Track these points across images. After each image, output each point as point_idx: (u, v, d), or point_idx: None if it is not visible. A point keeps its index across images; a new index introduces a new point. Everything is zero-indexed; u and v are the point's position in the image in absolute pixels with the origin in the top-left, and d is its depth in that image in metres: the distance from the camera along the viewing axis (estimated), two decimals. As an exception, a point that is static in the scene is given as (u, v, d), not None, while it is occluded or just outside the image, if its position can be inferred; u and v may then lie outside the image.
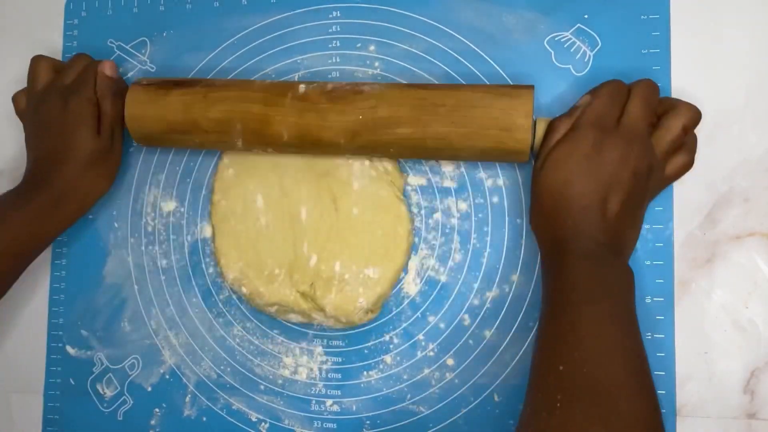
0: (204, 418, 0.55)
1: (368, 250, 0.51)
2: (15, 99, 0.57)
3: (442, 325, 0.51)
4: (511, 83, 0.51)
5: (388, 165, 0.52)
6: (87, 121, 0.52)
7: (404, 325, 0.52)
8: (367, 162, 0.52)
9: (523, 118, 0.45)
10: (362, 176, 0.52)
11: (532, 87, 0.46)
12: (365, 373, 0.53)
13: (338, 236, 0.51)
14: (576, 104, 0.46)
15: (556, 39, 0.51)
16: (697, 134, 0.47)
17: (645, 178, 0.43)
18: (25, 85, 0.56)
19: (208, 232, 0.56)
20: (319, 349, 0.54)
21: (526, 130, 0.45)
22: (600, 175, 0.43)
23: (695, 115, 0.44)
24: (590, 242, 0.42)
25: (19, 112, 0.57)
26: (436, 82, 0.52)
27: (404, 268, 0.52)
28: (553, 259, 0.44)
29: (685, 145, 0.45)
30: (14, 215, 0.51)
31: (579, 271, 0.42)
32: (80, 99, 0.52)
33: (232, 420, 0.54)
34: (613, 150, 0.43)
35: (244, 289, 0.53)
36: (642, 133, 0.43)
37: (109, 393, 0.57)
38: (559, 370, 0.38)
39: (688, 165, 0.46)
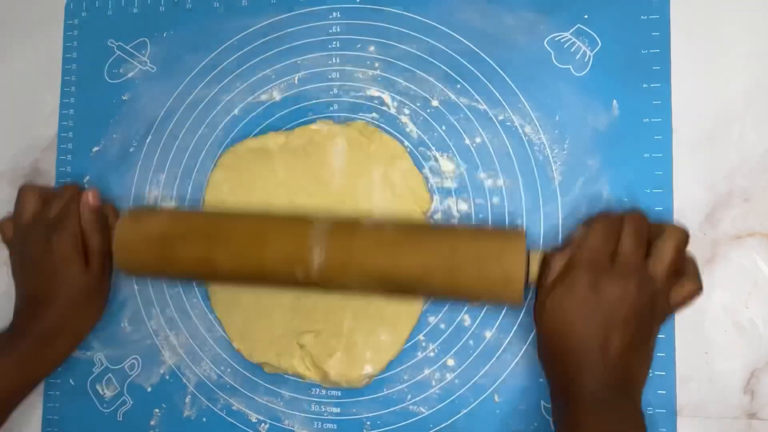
0: (204, 419, 0.55)
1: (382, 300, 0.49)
2: (1, 227, 0.54)
3: (442, 326, 0.51)
4: (512, 83, 0.52)
5: (412, 189, 0.50)
6: (73, 258, 0.50)
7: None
8: (388, 193, 0.50)
9: (517, 271, 0.44)
10: (382, 205, 0.50)
11: (523, 235, 0.45)
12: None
13: None
14: (570, 238, 0.45)
15: (556, 39, 0.51)
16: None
17: (648, 311, 0.43)
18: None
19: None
20: (319, 350, 0.54)
21: (519, 282, 0.44)
22: (600, 317, 0.42)
23: (683, 235, 0.44)
24: (596, 384, 0.42)
25: (6, 241, 0.54)
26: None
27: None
28: (559, 397, 0.44)
29: (686, 271, 0.44)
30: (1, 362, 0.49)
31: (586, 420, 0.41)
32: (64, 236, 0.50)
33: (232, 420, 0.54)
34: (611, 289, 0.42)
35: (235, 344, 0.53)
36: (638, 268, 0.43)
37: (109, 393, 0.57)
38: None
39: (695, 291, 0.44)
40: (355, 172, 0.51)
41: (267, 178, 0.53)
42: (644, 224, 0.44)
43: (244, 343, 0.53)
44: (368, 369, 0.50)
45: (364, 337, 0.49)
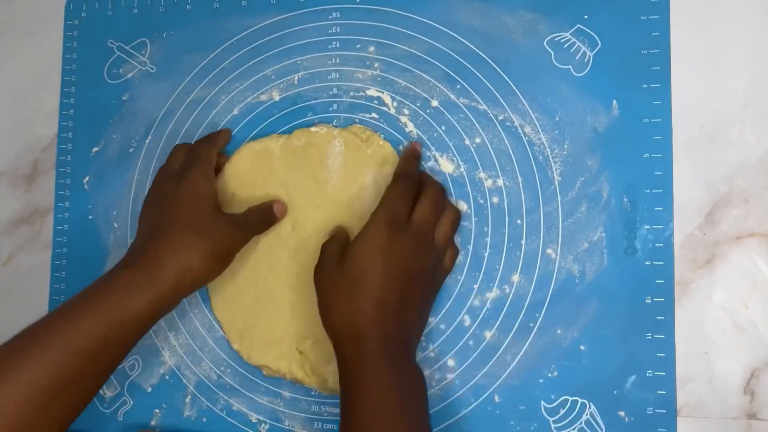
0: (204, 419, 0.55)
1: None
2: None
3: (442, 326, 0.51)
4: (512, 83, 0.52)
5: None
6: (202, 192, 0.49)
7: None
8: (378, 195, 0.50)
9: None
10: (372, 206, 0.49)
11: None
12: (365, 373, 0.53)
13: None
14: None
15: (556, 39, 0.51)
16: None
17: (432, 274, 0.48)
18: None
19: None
20: (319, 350, 0.54)
21: None
22: (395, 271, 0.45)
23: (459, 214, 0.51)
24: (388, 339, 0.44)
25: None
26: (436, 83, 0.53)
27: None
28: (349, 360, 0.44)
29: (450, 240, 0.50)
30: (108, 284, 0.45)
31: (376, 378, 0.43)
32: (196, 170, 0.50)
33: (232, 421, 0.54)
34: (407, 248, 0.46)
35: (235, 345, 0.53)
36: (429, 234, 0.47)
37: (109, 393, 0.57)
38: None
39: (456, 255, 0.51)
40: (350, 174, 0.52)
41: (267, 177, 0.53)
42: (441, 196, 0.49)
43: (243, 344, 0.53)
44: None
45: None
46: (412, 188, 0.48)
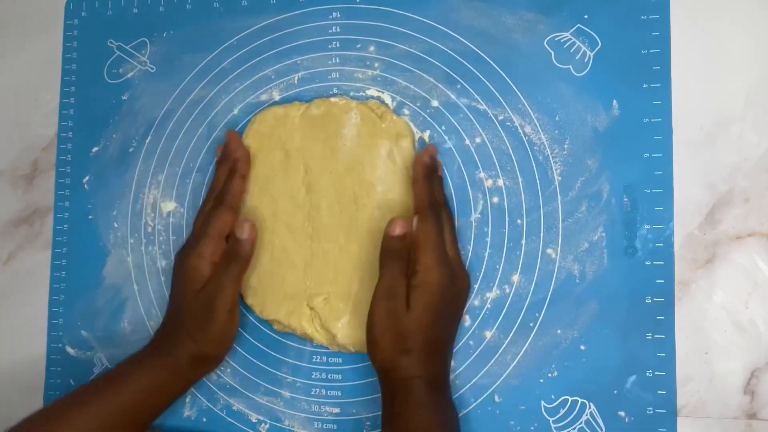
0: (204, 419, 0.55)
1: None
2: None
3: (442, 326, 0.51)
4: (512, 83, 0.52)
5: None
6: (227, 314, 0.49)
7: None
8: (390, 167, 0.52)
9: None
10: (386, 178, 0.52)
11: None
12: (366, 373, 0.53)
13: (357, 239, 0.51)
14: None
15: (556, 39, 0.51)
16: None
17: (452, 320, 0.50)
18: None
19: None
20: (320, 350, 0.54)
21: None
22: (446, 310, 0.48)
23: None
24: (435, 378, 0.46)
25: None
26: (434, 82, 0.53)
27: None
28: (393, 395, 0.46)
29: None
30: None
31: (420, 414, 0.44)
32: (222, 299, 0.49)
33: (232, 421, 0.54)
34: (453, 287, 0.48)
35: (248, 300, 0.54)
36: (458, 265, 0.50)
37: (109, 393, 0.57)
38: None
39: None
40: (363, 144, 0.53)
41: (286, 141, 0.54)
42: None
43: (256, 299, 0.54)
44: None
45: (369, 300, 0.50)
46: (443, 220, 0.49)
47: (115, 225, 0.58)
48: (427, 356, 0.46)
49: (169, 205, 0.57)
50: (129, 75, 0.59)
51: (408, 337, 0.45)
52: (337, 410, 0.53)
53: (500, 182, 0.51)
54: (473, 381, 0.50)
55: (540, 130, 0.51)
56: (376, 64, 0.54)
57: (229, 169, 0.53)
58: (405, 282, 0.46)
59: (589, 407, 0.48)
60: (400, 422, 0.45)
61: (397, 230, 0.47)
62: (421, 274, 0.46)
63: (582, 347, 0.49)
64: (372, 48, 0.54)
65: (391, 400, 0.46)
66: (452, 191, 0.52)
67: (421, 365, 0.45)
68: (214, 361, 0.52)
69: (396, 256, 0.47)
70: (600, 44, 0.51)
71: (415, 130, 0.53)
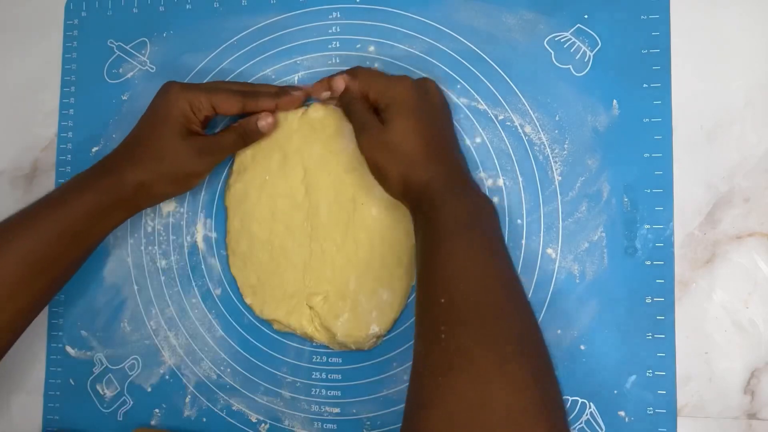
0: (204, 419, 0.55)
1: (380, 262, 0.51)
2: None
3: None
4: (512, 83, 0.52)
5: None
6: (179, 106, 0.50)
7: (405, 325, 0.52)
8: None
9: None
10: None
11: None
12: (366, 373, 0.53)
13: (355, 238, 0.51)
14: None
15: (556, 39, 0.51)
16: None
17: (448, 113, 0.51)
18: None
19: (206, 232, 0.56)
20: (320, 350, 0.54)
21: None
22: (427, 119, 0.48)
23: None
24: (451, 173, 0.46)
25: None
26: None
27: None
28: (420, 208, 0.45)
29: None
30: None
31: (447, 207, 0.43)
32: (177, 86, 0.50)
33: (232, 421, 0.54)
34: (425, 100, 0.49)
35: (248, 300, 0.54)
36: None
37: (109, 393, 0.57)
38: (441, 303, 0.39)
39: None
40: None
41: (285, 143, 0.54)
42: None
43: (256, 299, 0.54)
44: (375, 329, 0.51)
45: (367, 298, 0.51)
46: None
47: (115, 225, 0.58)
48: (429, 162, 0.46)
49: (169, 205, 0.57)
50: (129, 75, 0.59)
51: (398, 150, 0.46)
52: (337, 410, 0.53)
53: (500, 182, 0.51)
54: (473, 381, 0.50)
55: (540, 129, 0.51)
56: (376, 64, 0.54)
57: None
58: (374, 116, 0.48)
59: (589, 407, 0.48)
60: (429, 225, 0.43)
61: (340, 85, 0.50)
62: (381, 96, 0.48)
63: (582, 347, 0.49)
64: (372, 48, 0.54)
65: (419, 213, 0.45)
66: (452, 191, 0.52)
67: (429, 169, 0.45)
68: (161, 197, 0.52)
69: (353, 101, 0.49)
70: (600, 44, 0.51)
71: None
